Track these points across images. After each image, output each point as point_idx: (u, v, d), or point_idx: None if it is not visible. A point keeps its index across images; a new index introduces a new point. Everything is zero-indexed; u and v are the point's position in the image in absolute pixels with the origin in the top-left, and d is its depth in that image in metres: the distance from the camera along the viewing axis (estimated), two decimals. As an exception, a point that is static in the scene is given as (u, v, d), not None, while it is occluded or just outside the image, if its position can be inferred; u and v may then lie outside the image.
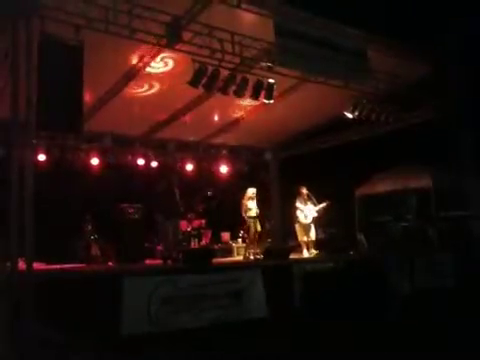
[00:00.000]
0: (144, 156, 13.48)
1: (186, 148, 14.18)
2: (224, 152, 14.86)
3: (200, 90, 9.22)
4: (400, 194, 14.07)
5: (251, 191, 11.39)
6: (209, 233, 12.79)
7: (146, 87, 10.34)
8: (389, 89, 10.82)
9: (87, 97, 8.76)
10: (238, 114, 12.46)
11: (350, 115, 11.23)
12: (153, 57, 9.17)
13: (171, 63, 9.60)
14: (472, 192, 11.57)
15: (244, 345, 6.81)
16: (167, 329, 7.19)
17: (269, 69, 9.27)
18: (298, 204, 11.78)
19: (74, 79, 6.87)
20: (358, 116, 11.14)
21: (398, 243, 11.83)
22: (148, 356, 6.30)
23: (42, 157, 11.69)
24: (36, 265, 6.92)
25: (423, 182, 14.02)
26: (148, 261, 10.88)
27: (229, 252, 12.89)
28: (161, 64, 9.61)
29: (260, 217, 11.46)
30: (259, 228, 11.35)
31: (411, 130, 12.46)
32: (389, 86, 10.68)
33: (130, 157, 13.27)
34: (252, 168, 15.40)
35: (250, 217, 11.22)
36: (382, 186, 14.73)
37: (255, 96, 9.54)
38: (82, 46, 6.97)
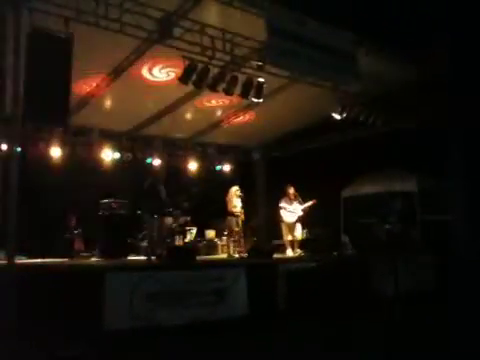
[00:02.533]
0: (131, 152, 13.41)
1: (173, 145, 14.15)
2: (211, 150, 14.83)
3: (190, 87, 9.21)
4: (385, 196, 14.16)
5: (236, 189, 11.40)
6: (193, 230, 12.76)
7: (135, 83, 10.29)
8: (378, 92, 10.88)
9: (75, 91, 8.70)
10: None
11: (338, 116, 11.27)
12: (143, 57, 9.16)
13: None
14: (456, 196, 11.68)
15: (227, 343, 6.82)
16: (150, 325, 7.18)
17: (259, 68, 9.28)
18: (283, 204, 11.82)
19: (62, 72, 6.81)
20: (346, 118, 11.19)
21: (382, 245, 11.90)
22: (131, 351, 6.28)
23: (28, 149, 11.55)
24: (18, 259, 6.87)
25: (408, 185, 14.12)
26: (132, 257, 10.83)
27: (213, 249, 12.88)
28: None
29: (245, 215, 11.48)
30: (244, 226, 11.37)
31: (398, 133, 12.55)
32: (378, 89, 10.74)
33: (117, 152, 13.19)
34: (239, 167, 15.41)
35: (235, 215, 11.23)
36: (367, 188, 14.82)
37: (244, 95, 9.54)
38: (71, 39, 6.90)
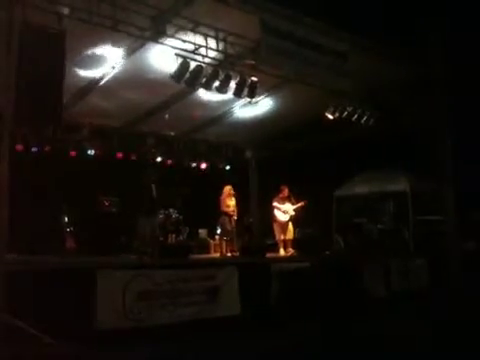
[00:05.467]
0: (122, 149, 13.34)
1: (166, 142, 14.09)
2: (204, 148, 14.79)
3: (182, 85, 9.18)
4: (378, 197, 14.21)
5: (229, 188, 11.39)
6: (186, 229, 12.72)
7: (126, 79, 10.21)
8: (371, 92, 10.90)
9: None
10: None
11: (331, 116, 11.27)
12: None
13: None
14: (447, 196, 11.73)
15: (219, 342, 6.80)
16: (142, 324, 7.15)
17: (252, 67, 9.26)
18: (275, 203, 11.83)
19: (55, 69, 6.74)
20: (339, 117, 11.20)
21: (374, 245, 11.94)
22: (123, 350, 6.25)
23: (19, 147, 11.48)
24: (9, 256, 6.81)
25: (400, 186, 14.17)
26: (123, 255, 10.77)
27: (206, 249, 12.84)
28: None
29: (238, 215, 11.46)
30: (237, 225, 11.35)
31: (391, 133, 12.58)
32: (371, 89, 10.76)
33: (108, 149, 13.12)
34: (232, 165, 15.38)
35: (228, 214, 11.21)
36: (360, 188, 14.85)
37: (238, 94, 9.52)
38: (64, 35, 6.84)
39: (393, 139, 13.32)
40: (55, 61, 6.77)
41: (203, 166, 14.97)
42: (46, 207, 11.07)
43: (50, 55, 6.70)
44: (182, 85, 9.17)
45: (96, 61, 9.19)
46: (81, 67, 9.33)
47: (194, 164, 14.82)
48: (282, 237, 11.76)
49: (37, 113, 6.71)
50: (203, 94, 10.58)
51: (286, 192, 11.91)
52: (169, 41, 8.34)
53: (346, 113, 11.10)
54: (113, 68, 9.53)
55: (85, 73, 9.64)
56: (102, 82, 10.04)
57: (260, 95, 10.78)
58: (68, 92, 9.59)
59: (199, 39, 8.53)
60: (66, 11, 7.00)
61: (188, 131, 13.77)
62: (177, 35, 8.27)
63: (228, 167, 15.37)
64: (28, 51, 6.50)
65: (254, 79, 9.46)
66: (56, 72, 6.80)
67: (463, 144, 11.94)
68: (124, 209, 11.32)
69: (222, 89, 9.28)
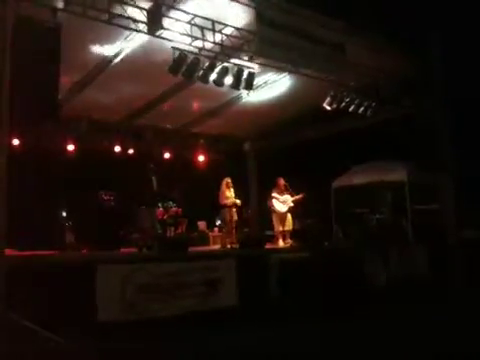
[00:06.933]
0: (121, 143, 13.33)
1: (164, 136, 14.08)
2: (202, 141, 14.79)
3: (179, 78, 9.15)
4: (376, 187, 14.22)
5: (228, 180, 11.40)
6: (185, 221, 12.75)
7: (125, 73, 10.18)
8: (368, 83, 10.89)
9: (64, 81, 8.56)
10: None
11: (328, 107, 11.26)
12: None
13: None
14: (445, 186, 11.75)
15: (219, 334, 6.83)
16: (142, 317, 7.17)
17: (250, 59, 9.24)
18: (274, 194, 11.83)
19: (51, 63, 6.72)
20: (336, 108, 11.18)
21: (373, 235, 11.97)
22: (124, 343, 6.28)
23: (16, 141, 11.47)
24: (9, 251, 6.82)
25: (398, 175, 14.17)
26: (123, 249, 10.80)
27: (205, 241, 12.88)
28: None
29: (238, 206, 11.48)
30: (236, 217, 11.37)
31: (388, 124, 12.59)
32: (368, 80, 10.75)
33: (107, 143, 13.11)
34: (230, 158, 15.38)
35: (228, 206, 11.22)
36: (358, 178, 14.85)
37: (235, 85, 9.50)
38: (59, 28, 6.80)
39: (390, 129, 13.33)
40: (51, 55, 6.74)
41: (201, 158, 14.99)
42: (45, 202, 11.08)
43: (46, 49, 6.68)
44: (179, 78, 9.15)
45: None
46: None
47: (193, 157, 14.82)
48: (281, 228, 11.76)
49: (34, 108, 6.70)
50: (201, 86, 10.54)
51: (282, 183, 11.91)
52: (165, 34, 8.30)
53: (344, 104, 11.09)
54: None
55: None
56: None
57: (257, 86, 10.76)
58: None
59: (195, 31, 8.48)
60: (60, 5, 6.94)
61: (186, 124, 13.75)
62: (173, 28, 8.23)
63: (226, 159, 15.37)
64: (23, 46, 6.47)
65: (252, 70, 9.44)
66: (52, 66, 6.77)
67: (462, 134, 11.94)
68: (123, 203, 11.32)
69: (219, 81, 9.27)
